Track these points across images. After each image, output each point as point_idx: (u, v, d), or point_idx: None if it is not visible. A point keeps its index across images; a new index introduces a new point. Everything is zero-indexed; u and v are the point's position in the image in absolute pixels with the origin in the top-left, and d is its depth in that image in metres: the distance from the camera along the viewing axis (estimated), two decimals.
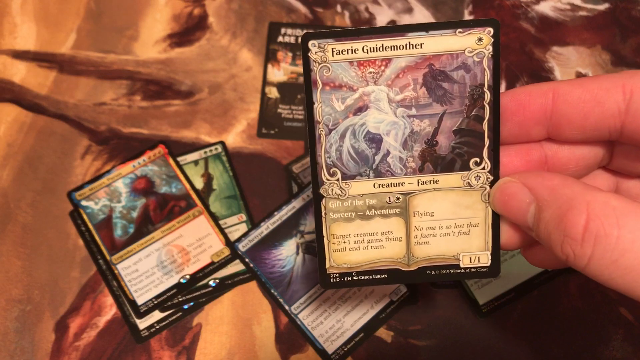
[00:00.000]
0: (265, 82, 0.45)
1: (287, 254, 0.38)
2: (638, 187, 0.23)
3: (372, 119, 0.23)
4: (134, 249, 0.38)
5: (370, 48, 0.22)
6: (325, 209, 0.24)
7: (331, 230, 0.24)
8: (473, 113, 0.22)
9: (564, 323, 0.36)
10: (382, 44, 0.22)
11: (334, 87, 0.22)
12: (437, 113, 0.22)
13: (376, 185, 0.23)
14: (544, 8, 0.48)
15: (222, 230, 0.39)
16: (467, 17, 0.47)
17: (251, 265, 0.38)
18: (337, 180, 0.23)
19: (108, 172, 0.40)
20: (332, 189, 0.23)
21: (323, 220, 0.24)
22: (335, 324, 0.36)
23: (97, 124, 0.43)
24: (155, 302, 0.37)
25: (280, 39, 0.46)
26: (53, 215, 0.40)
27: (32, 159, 0.42)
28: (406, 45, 0.22)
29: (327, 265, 0.24)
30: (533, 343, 0.36)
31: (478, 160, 0.23)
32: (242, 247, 0.38)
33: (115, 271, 0.38)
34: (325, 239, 0.24)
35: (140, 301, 0.37)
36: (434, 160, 0.23)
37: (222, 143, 0.42)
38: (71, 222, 0.39)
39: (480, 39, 0.21)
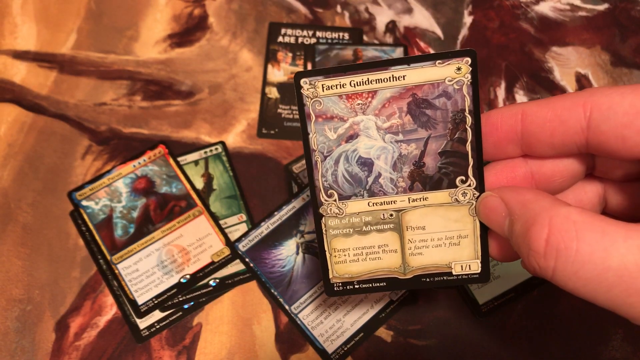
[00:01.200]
0: (265, 82, 0.45)
1: (287, 254, 0.38)
2: (623, 190, 0.24)
3: (362, 145, 0.25)
4: (135, 248, 0.38)
5: (356, 82, 0.24)
6: (325, 227, 0.26)
7: (332, 244, 0.26)
8: (456, 136, 0.24)
9: (563, 323, 0.36)
10: (368, 78, 0.24)
11: (326, 118, 0.24)
12: (422, 137, 0.24)
13: (370, 204, 0.25)
14: (544, 8, 0.48)
15: (222, 230, 0.39)
16: (467, 17, 0.47)
17: (251, 265, 0.38)
18: (335, 200, 0.25)
19: (108, 172, 0.40)
20: (331, 209, 0.25)
21: (324, 236, 0.26)
22: (335, 324, 0.36)
23: (97, 124, 0.43)
24: (156, 302, 0.37)
25: (280, 39, 0.46)
26: (53, 215, 0.40)
27: (33, 159, 0.42)
28: (390, 78, 0.24)
29: (331, 276, 0.26)
30: (533, 343, 0.36)
31: (464, 178, 0.24)
32: (242, 247, 0.38)
33: (116, 271, 0.38)
34: (327, 253, 0.26)
35: (140, 301, 0.37)
36: (423, 180, 0.25)
37: (222, 143, 0.42)
38: (71, 222, 0.39)
39: (459, 68, 0.23)
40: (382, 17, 0.48)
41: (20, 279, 0.38)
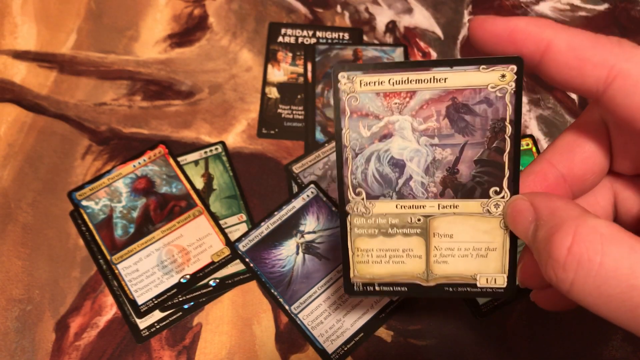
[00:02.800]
0: (265, 82, 0.45)
1: (287, 254, 0.38)
2: (632, 192, 0.24)
3: (396, 145, 0.24)
4: (135, 248, 0.38)
5: (396, 81, 0.23)
6: (350, 225, 0.25)
7: (355, 243, 0.25)
8: (494, 145, 0.23)
9: (564, 323, 0.36)
10: (408, 77, 0.23)
11: (361, 115, 0.24)
12: (458, 143, 0.23)
13: (399, 206, 0.25)
14: (544, 8, 0.48)
15: (222, 230, 0.39)
16: (467, 17, 0.47)
17: (251, 265, 0.38)
18: (362, 199, 0.25)
19: (108, 172, 0.40)
20: (357, 207, 0.25)
21: (348, 234, 0.25)
22: (335, 324, 0.36)
23: (97, 124, 0.43)
24: (156, 302, 0.37)
25: (280, 39, 0.46)
26: (53, 215, 0.40)
27: (33, 159, 0.42)
28: (430, 79, 0.23)
29: (352, 275, 0.26)
30: (533, 343, 0.36)
31: (498, 189, 0.23)
32: (242, 247, 0.38)
33: (116, 271, 0.38)
34: (350, 251, 0.25)
35: (140, 301, 0.37)
36: (455, 187, 0.24)
37: (222, 143, 0.42)
38: (71, 222, 0.39)
39: (503, 76, 0.22)
40: (382, 17, 0.48)
41: (20, 279, 0.38)
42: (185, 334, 0.36)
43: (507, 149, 0.23)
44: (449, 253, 0.25)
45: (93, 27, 0.47)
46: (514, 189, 0.23)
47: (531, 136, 0.42)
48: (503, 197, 0.23)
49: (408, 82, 0.23)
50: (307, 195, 0.39)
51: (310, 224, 0.39)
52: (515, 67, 0.22)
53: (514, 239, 0.24)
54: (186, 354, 0.36)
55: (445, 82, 0.23)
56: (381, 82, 0.23)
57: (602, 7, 0.48)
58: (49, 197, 0.40)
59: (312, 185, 0.40)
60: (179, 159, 0.41)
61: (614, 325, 0.38)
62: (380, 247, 0.25)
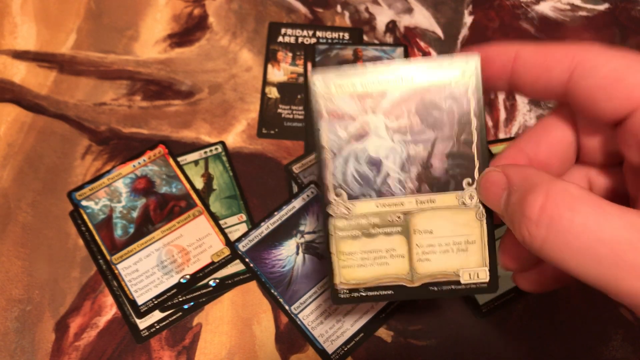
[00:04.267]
0: (265, 82, 0.45)
1: (287, 254, 0.38)
2: (605, 182, 0.25)
3: (372, 144, 0.25)
4: (134, 249, 0.38)
5: (367, 82, 0.25)
6: (333, 228, 0.26)
7: (339, 247, 0.26)
8: (462, 138, 0.25)
9: (564, 323, 0.36)
10: (378, 78, 0.25)
11: (337, 117, 0.25)
12: (430, 139, 0.25)
13: (378, 205, 0.25)
14: (544, 8, 0.48)
15: (222, 230, 0.39)
16: (467, 17, 0.47)
17: (251, 265, 0.38)
18: (343, 200, 0.25)
19: (108, 172, 0.40)
20: (339, 209, 0.25)
21: (332, 238, 0.26)
22: (335, 324, 0.36)
23: (97, 124, 0.43)
24: (156, 302, 0.37)
25: (280, 39, 0.46)
26: (53, 215, 0.40)
27: (33, 159, 0.42)
28: (399, 79, 0.25)
29: (337, 282, 0.26)
30: (533, 343, 0.36)
31: (470, 180, 0.25)
32: (242, 247, 0.38)
33: (116, 271, 0.38)
34: (334, 256, 0.26)
35: (140, 301, 0.37)
36: (430, 181, 0.25)
37: (222, 143, 0.42)
38: (71, 222, 0.39)
39: (464, 72, 0.24)
40: (382, 17, 0.48)
41: (20, 279, 0.38)
42: (185, 334, 0.36)
43: (475, 141, 0.24)
44: (430, 250, 0.25)
45: (93, 27, 0.47)
46: None
47: None
48: (476, 188, 0.25)
49: (379, 83, 0.25)
50: (307, 195, 0.39)
51: (311, 224, 0.39)
52: (474, 63, 0.24)
53: (491, 230, 0.25)
54: (186, 354, 0.36)
55: (412, 81, 0.24)
56: (354, 85, 0.25)
57: (602, 7, 0.48)
58: (48, 197, 0.40)
59: (312, 185, 0.40)
60: (179, 159, 0.41)
61: (615, 325, 0.38)
62: (363, 249, 0.26)
